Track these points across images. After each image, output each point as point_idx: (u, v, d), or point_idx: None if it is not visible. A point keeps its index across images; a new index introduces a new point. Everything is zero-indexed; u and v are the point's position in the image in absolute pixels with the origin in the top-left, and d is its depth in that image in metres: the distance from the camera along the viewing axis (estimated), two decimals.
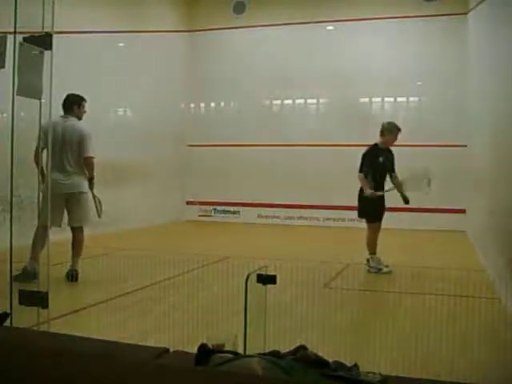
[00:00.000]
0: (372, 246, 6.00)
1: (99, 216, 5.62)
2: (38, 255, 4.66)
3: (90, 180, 5.51)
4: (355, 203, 10.98)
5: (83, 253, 5.47)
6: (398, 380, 1.59)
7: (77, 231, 5.40)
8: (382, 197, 6.14)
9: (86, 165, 5.45)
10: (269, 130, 11.02)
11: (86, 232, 5.59)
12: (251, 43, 11.21)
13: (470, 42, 9.37)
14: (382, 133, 6.33)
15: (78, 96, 5.49)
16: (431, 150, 10.11)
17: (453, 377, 2.57)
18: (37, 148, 4.86)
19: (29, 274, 4.62)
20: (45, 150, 4.65)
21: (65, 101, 5.42)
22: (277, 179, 10.69)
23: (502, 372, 2.92)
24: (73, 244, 5.34)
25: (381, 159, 6.15)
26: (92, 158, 5.45)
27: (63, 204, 5.31)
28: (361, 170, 6.07)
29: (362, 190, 6.13)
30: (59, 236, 5.48)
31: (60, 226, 5.30)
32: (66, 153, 5.31)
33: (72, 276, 5.18)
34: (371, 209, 6.12)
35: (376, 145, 6.25)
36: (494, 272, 5.28)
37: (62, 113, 5.41)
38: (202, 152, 11.51)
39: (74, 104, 5.43)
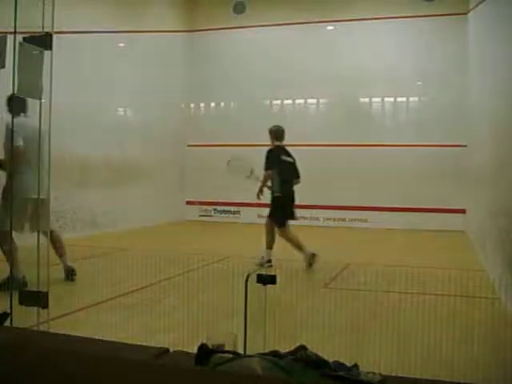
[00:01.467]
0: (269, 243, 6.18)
1: None
2: (16, 260, 4.57)
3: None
4: (355, 203, 11.01)
5: (83, 253, 5.46)
6: (398, 380, 1.59)
7: (49, 233, 5.13)
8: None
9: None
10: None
11: (87, 232, 5.58)
12: (251, 43, 11.22)
13: (470, 41, 9.37)
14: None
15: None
16: (431, 150, 10.12)
17: (453, 377, 2.57)
18: (17, 148, 4.68)
19: (17, 282, 4.49)
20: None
21: (14, 99, 5.11)
22: None
23: (501, 372, 2.92)
24: (54, 246, 5.07)
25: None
26: None
27: (31, 208, 4.92)
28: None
29: (272, 192, 6.33)
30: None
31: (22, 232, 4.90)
32: (37, 153, 5.06)
33: (70, 274, 5.14)
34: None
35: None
36: (493, 272, 5.27)
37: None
38: (202, 152, 11.51)
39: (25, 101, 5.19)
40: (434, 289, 4.44)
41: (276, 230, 6.19)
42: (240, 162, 6.84)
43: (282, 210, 6.23)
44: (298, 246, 6.06)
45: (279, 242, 8.21)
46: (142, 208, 9.63)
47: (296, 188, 6.72)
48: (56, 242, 5.21)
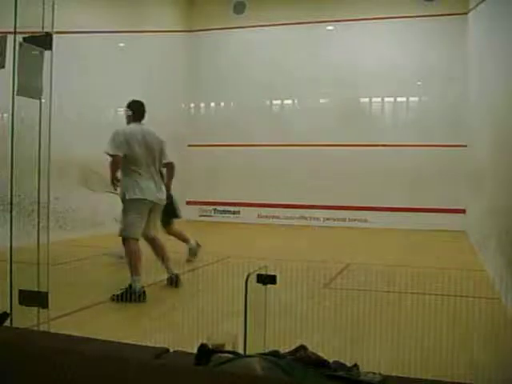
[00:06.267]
0: None
1: None
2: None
3: None
4: (355, 203, 11.00)
5: (84, 253, 5.45)
6: (398, 380, 1.60)
7: None
8: None
9: None
10: (269, 130, 11.02)
11: (86, 232, 5.57)
12: (251, 43, 11.21)
13: (470, 41, 9.38)
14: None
15: None
16: (431, 150, 10.12)
17: (453, 377, 2.57)
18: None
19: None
20: None
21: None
22: (277, 179, 10.69)
23: (501, 372, 2.92)
24: None
25: None
26: None
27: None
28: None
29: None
30: (59, 236, 5.47)
31: None
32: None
33: None
34: None
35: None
36: (493, 272, 5.27)
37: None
38: (202, 152, 11.51)
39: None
40: (434, 289, 4.44)
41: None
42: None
43: None
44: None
45: (276, 241, 8.20)
46: None
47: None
48: None
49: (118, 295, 4.44)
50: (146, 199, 4.82)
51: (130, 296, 4.49)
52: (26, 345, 1.38)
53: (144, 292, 4.54)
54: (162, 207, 5.11)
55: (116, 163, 4.89)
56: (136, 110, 5.24)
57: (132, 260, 4.68)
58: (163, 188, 5.05)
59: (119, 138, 4.90)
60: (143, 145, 4.95)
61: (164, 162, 5.14)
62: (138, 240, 4.79)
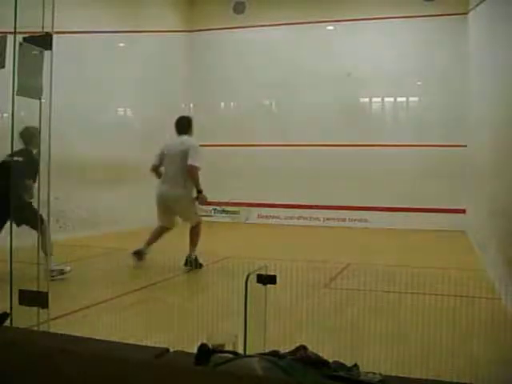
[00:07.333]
0: None
1: None
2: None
3: None
4: (355, 203, 11.00)
5: (84, 253, 5.44)
6: (398, 380, 1.60)
7: None
8: None
9: None
10: (269, 130, 11.02)
11: (87, 232, 5.58)
12: (251, 43, 11.21)
13: (470, 42, 9.38)
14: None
15: None
16: (431, 150, 10.12)
17: (453, 376, 2.57)
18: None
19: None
20: None
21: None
22: (277, 179, 10.68)
23: (502, 372, 2.92)
24: None
25: None
26: None
27: None
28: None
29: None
30: (58, 236, 5.47)
31: None
32: None
33: None
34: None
35: None
36: (494, 272, 5.27)
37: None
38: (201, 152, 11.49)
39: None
40: (434, 289, 4.44)
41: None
42: None
43: None
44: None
45: (276, 241, 8.19)
46: (142, 208, 9.61)
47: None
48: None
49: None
50: (157, 200, 6.13)
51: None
52: (25, 345, 1.38)
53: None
54: (180, 202, 6.12)
55: (152, 169, 6.21)
56: (177, 125, 6.59)
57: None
58: (177, 186, 6.05)
59: (159, 151, 6.28)
60: (170, 153, 6.11)
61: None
62: (161, 226, 6.17)
